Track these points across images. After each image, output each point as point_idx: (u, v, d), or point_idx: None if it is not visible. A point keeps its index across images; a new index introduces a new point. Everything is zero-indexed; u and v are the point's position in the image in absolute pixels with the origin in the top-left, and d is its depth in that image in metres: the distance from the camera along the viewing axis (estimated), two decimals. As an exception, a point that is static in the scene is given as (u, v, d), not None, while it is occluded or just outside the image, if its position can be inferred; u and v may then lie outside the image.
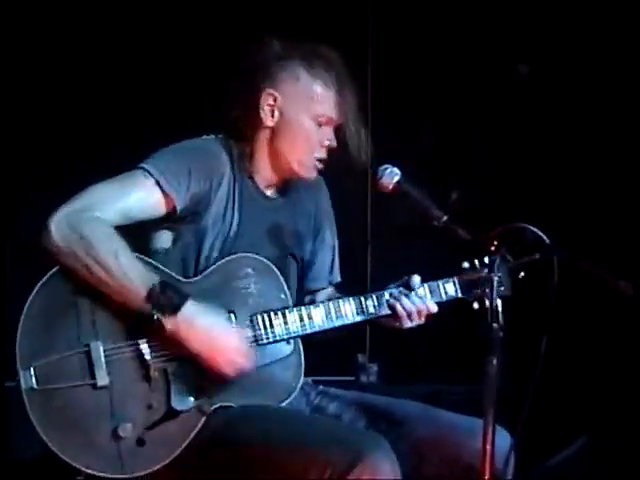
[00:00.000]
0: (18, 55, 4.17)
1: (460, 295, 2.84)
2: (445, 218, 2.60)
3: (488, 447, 2.33)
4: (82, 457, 2.53)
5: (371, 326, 3.02)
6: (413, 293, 2.77)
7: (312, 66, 2.79)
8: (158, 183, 2.65)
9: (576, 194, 4.33)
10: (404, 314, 2.76)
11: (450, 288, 2.84)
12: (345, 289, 3.00)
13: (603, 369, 4.10)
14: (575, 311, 3.78)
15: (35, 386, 2.53)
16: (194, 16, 4.33)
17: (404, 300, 2.76)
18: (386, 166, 2.73)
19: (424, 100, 4.42)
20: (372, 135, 2.91)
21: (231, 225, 2.75)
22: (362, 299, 2.78)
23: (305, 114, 2.79)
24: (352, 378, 4.28)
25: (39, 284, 2.59)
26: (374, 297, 2.79)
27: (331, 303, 2.76)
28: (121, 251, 2.57)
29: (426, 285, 2.81)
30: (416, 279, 2.79)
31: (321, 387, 2.90)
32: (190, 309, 2.56)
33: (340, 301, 2.77)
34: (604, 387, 4.06)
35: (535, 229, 2.40)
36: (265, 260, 2.73)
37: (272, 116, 2.80)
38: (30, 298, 2.59)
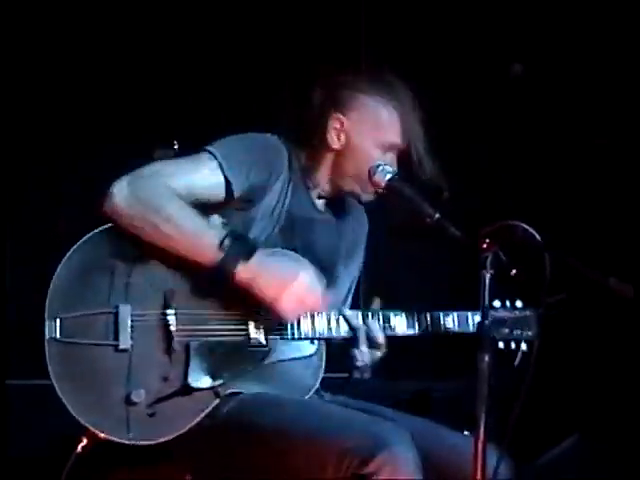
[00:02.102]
0: (17, 55, 4.17)
1: None
2: (437, 216, 2.62)
3: (480, 445, 2.32)
4: (90, 414, 2.54)
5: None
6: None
7: (379, 92, 2.85)
8: (221, 166, 2.69)
9: (571, 193, 4.34)
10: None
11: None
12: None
13: (594, 367, 4.10)
14: (567, 309, 3.79)
15: (58, 337, 2.55)
16: (189, 14, 4.33)
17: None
18: (379, 163, 2.78)
19: (417, 99, 4.41)
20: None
21: (277, 223, 2.79)
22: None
23: (370, 141, 2.84)
24: (345, 375, 4.28)
25: (77, 243, 2.62)
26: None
27: (361, 312, 2.79)
28: (189, 209, 2.62)
29: (455, 314, 2.84)
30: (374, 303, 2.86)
31: (328, 395, 2.89)
32: (261, 254, 2.62)
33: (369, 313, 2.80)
34: (595, 385, 4.06)
35: (527, 227, 2.41)
36: (304, 259, 2.75)
37: (338, 139, 2.85)
38: (69, 253, 2.61)
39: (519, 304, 2.85)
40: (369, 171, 2.79)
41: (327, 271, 2.87)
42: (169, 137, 2.77)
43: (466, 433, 2.66)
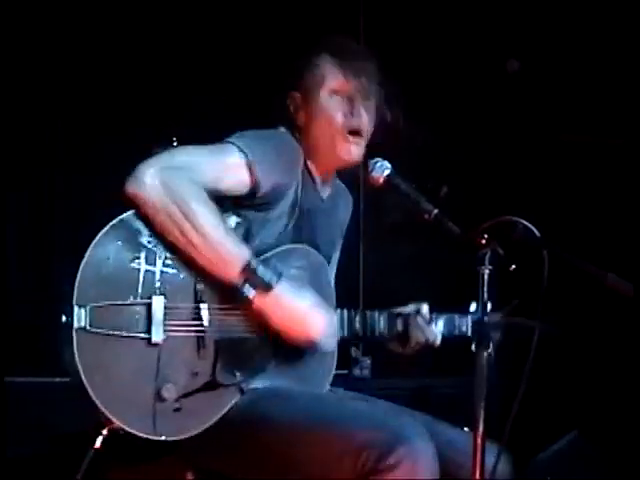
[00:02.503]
0: (19, 54, 4.16)
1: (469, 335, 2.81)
2: (435, 212, 2.60)
3: (478, 441, 2.32)
4: (116, 407, 2.45)
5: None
6: (431, 325, 2.85)
7: (316, 50, 2.85)
8: (249, 164, 2.63)
9: (570, 189, 4.34)
10: (414, 342, 2.83)
11: (464, 326, 2.91)
12: (337, 287, 2.99)
13: (593, 365, 4.10)
14: (566, 307, 3.79)
15: (88, 326, 2.44)
16: (186, 11, 4.33)
17: (424, 329, 2.84)
18: (377, 160, 2.75)
19: (415, 96, 4.41)
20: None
21: (290, 220, 2.76)
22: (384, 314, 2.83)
23: (320, 96, 2.82)
24: (345, 372, 4.28)
25: (103, 230, 2.50)
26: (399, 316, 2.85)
27: (369, 312, 2.80)
28: (220, 220, 2.55)
29: (443, 318, 2.88)
30: (424, 308, 2.86)
31: (341, 391, 2.89)
32: (282, 287, 2.56)
33: (369, 312, 2.80)
34: (594, 383, 4.06)
35: (526, 223, 2.41)
36: (320, 256, 2.76)
37: (298, 115, 2.84)
38: (98, 237, 2.49)
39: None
40: (367, 166, 2.75)
41: (327, 255, 2.89)
42: (168, 134, 2.75)
43: (466, 429, 2.65)
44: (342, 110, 2.82)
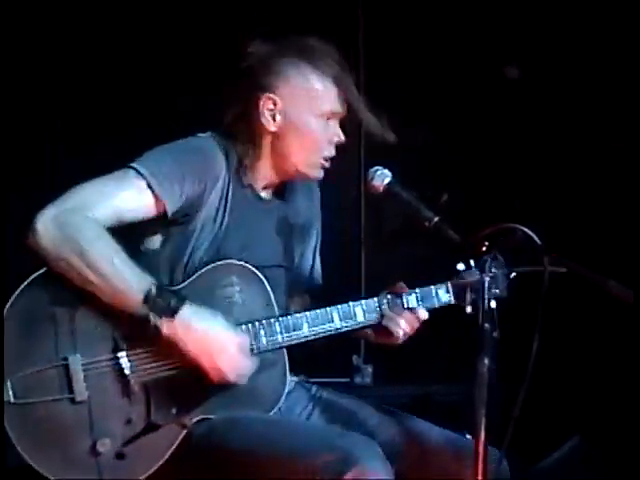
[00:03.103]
0: (19, 54, 4.17)
1: (454, 302, 2.77)
2: (436, 219, 2.60)
3: (480, 449, 2.31)
4: (60, 471, 2.49)
5: (362, 339, 2.99)
6: (402, 302, 2.74)
7: (306, 60, 2.72)
8: (150, 186, 2.58)
9: (570, 195, 4.33)
10: (395, 323, 2.72)
11: (443, 294, 2.77)
12: (339, 290, 2.96)
13: (595, 369, 4.10)
14: (567, 312, 3.79)
15: (12, 400, 2.47)
16: (185, 12, 4.33)
17: (395, 309, 2.72)
18: (377, 168, 2.73)
19: (415, 101, 4.42)
20: (364, 136, 2.89)
21: (221, 227, 2.69)
22: (351, 306, 2.72)
23: (309, 114, 2.72)
24: (347, 379, 4.28)
25: (18, 290, 2.53)
26: (363, 303, 2.72)
27: (319, 311, 2.69)
28: (115, 254, 2.51)
29: (418, 291, 2.76)
30: (402, 287, 2.76)
31: (315, 389, 2.87)
32: (188, 311, 2.52)
33: (328, 309, 2.70)
34: (596, 388, 4.05)
35: (526, 230, 2.40)
36: (251, 267, 2.67)
37: (274, 120, 2.72)
38: (11, 300, 2.52)
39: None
40: (366, 175, 2.72)
41: (288, 256, 2.82)
42: (167, 137, 2.74)
43: (468, 437, 2.65)
44: (328, 136, 2.75)
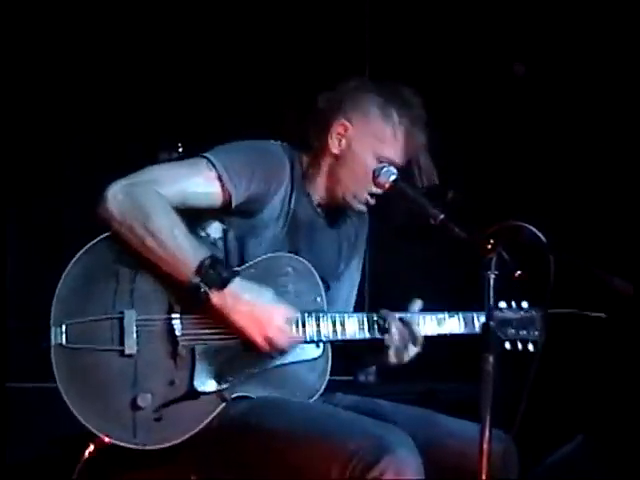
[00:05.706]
0: (22, 55, 4.17)
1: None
2: (442, 217, 2.62)
3: (485, 446, 2.32)
4: (97, 420, 2.55)
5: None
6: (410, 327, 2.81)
7: (390, 105, 2.84)
8: (220, 177, 2.68)
9: (575, 193, 4.33)
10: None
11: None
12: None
13: (599, 368, 4.09)
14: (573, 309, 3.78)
15: (64, 343, 2.56)
16: (196, 17, 4.34)
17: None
18: (383, 165, 2.78)
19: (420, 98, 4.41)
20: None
21: (283, 226, 2.80)
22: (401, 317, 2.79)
23: (370, 152, 2.83)
24: (350, 378, 4.27)
25: (83, 249, 2.62)
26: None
27: (366, 315, 2.78)
28: (175, 225, 2.61)
29: (461, 315, 2.85)
30: (415, 306, 2.85)
31: (340, 395, 2.91)
32: (238, 284, 2.61)
33: (375, 315, 2.78)
34: (600, 386, 4.05)
35: (532, 228, 2.40)
36: (306, 262, 2.77)
37: (339, 144, 2.85)
38: (73, 261, 2.61)
39: (525, 305, 2.85)
40: (373, 172, 2.79)
41: (329, 271, 2.90)
42: (174, 139, 2.76)
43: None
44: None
